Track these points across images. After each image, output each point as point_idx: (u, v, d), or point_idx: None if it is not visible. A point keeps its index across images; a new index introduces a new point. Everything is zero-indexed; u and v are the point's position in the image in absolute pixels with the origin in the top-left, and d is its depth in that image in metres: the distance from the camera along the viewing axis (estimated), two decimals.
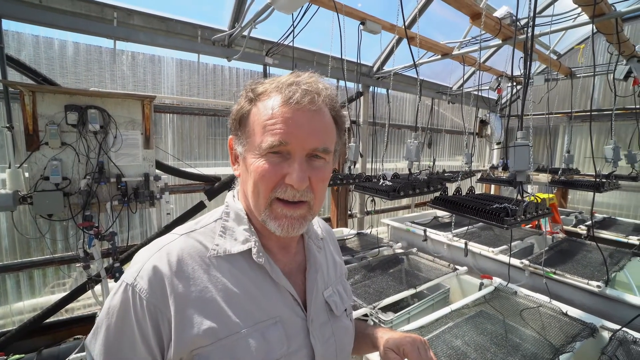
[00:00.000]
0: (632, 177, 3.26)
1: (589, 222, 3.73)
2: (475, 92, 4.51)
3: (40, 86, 2.15)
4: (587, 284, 2.11)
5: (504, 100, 5.74)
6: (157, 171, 2.49)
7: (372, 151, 3.77)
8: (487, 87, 4.25)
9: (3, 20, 2.10)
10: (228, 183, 2.98)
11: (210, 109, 3.20)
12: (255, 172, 0.60)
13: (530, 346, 1.59)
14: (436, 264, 2.63)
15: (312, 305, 0.69)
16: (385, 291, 2.14)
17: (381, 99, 4.53)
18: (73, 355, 2.05)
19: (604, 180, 3.05)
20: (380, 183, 2.31)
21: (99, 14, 2.41)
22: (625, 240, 3.16)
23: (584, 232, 3.52)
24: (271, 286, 0.65)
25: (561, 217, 3.88)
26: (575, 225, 3.78)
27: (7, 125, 2.06)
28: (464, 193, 2.15)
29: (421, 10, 3.39)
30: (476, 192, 2.19)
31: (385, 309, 2.11)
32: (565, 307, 1.86)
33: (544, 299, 1.97)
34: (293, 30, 2.40)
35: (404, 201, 5.17)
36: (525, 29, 2.63)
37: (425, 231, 3.30)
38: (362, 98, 4.19)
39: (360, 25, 2.68)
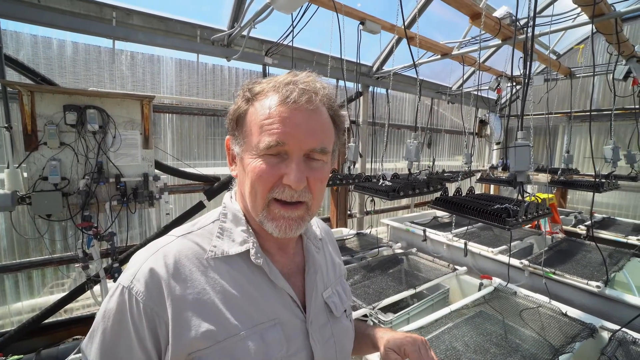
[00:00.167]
0: (632, 177, 3.26)
1: (588, 222, 3.73)
2: (475, 92, 4.51)
3: (39, 86, 2.15)
4: (587, 284, 2.11)
5: (503, 100, 5.74)
6: (156, 171, 2.49)
7: (371, 151, 3.76)
8: (487, 87, 4.25)
9: (1, 20, 2.09)
10: (227, 183, 2.97)
11: (209, 109, 3.20)
12: (253, 173, 0.60)
13: (529, 347, 1.59)
14: (436, 264, 2.63)
15: (312, 307, 0.68)
16: (385, 291, 2.14)
17: (381, 99, 4.52)
18: (72, 356, 2.04)
19: (603, 180, 3.05)
20: (380, 183, 2.31)
21: (98, 14, 2.40)
22: (624, 240, 3.16)
23: (584, 232, 3.52)
24: (270, 287, 0.65)
25: (560, 217, 3.88)
26: (574, 226, 3.78)
27: (6, 125, 2.06)
28: (464, 193, 2.14)
29: (421, 10, 3.38)
30: (476, 192, 2.19)
31: (384, 310, 2.11)
32: (564, 308, 1.86)
33: (544, 299, 1.97)
34: (292, 30, 2.39)
35: (404, 201, 5.17)
36: (525, 29, 2.63)
37: (424, 231, 3.30)
38: (361, 98, 4.19)
39: (360, 25, 2.68)
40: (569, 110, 4.79)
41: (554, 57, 4.75)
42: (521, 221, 1.51)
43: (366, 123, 4.26)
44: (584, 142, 5.26)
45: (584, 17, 2.47)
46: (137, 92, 2.77)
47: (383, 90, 4.30)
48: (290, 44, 2.51)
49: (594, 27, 2.19)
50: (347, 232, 3.53)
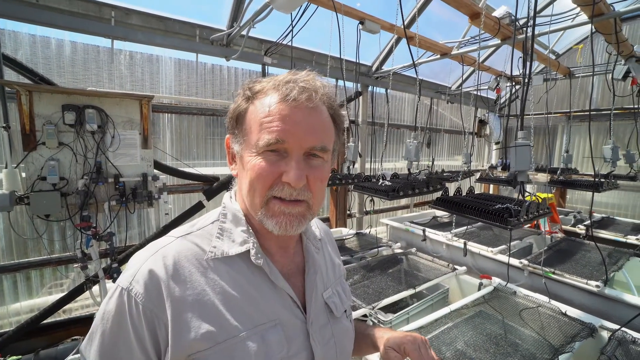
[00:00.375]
0: (631, 177, 3.26)
1: (587, 222, 3.73)
2: (474, 92, 4.51)
3: (37, 86, 2.14)
4: (586, 283, 2.11)
5: (502, 100, 5.75)
6: (155, 171, 2.48)
7: (371, 151, 3.76)
8: (486, 87, 4.25)
9: (0, 20, 2.08)
10: (226, 183, 2.97)
11: (208, 109, 3.19)
12: (252, 171, 0.59)
13: (529, 346, 1.59)
14: (435, 264, 2.63)
15: (312, 307, 0.68)
16: (385, 291, 2.14)
17: (380, 99, 4.52)
18: (71, 357, 2.03)
19: (602, 180, 3.05)
20: (380, 183, 2.31)
21: (97, 13, 2.40)
22: (623, 239, 3.16)
23: (583, 231, 3.52)
24: (270, 288, 0.64)
25: (560, 216, 3.88)
26: (574, 225, 3.78)
27: (4, 125, 2.05)
28: (463, 193, 2.14)
29: (420, 10, 3.38)
30: (476, 192, 2.19)
31: (384, 309, 2.11)
32: (564, 307, 1.86)
33: (543, 298, 1.97)
34: (292, 30, 2.39)
35: (403, 201, 5.17)
36: (525, 28, 2.63)
37: (424, 231, 3.29)
38: (361, 98, 4.18)
39: (359, 24, 2.67)
40: (568, 110, 4.80)
41: (554, 57, 4.76)
42: (522, 221, 1.51)
43: (365, 123, 4.26)
44: (583, 141, 5.27)
45: (583, 17, 2.47)
46: (136, 91, 2.76)
47: (382, 90, 4.29)
48: (289, 43, 2.51)
49: (593, 27, 2.19)
50: (346, 232, 3.53)
